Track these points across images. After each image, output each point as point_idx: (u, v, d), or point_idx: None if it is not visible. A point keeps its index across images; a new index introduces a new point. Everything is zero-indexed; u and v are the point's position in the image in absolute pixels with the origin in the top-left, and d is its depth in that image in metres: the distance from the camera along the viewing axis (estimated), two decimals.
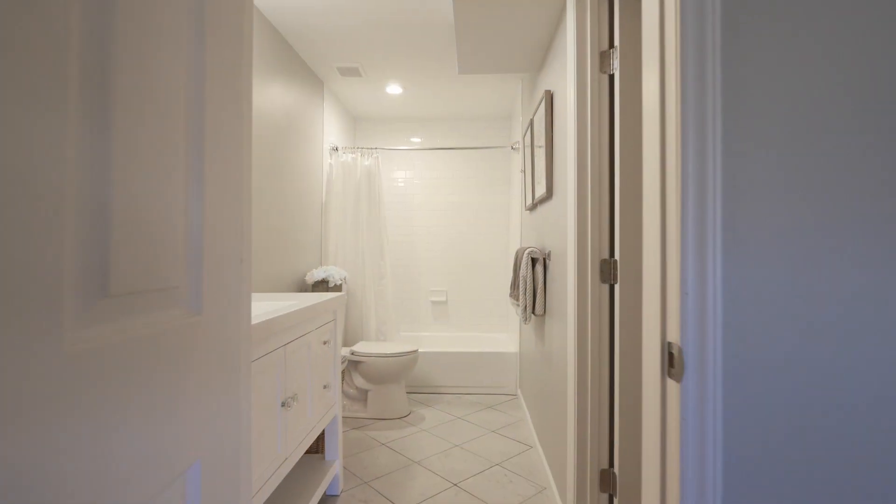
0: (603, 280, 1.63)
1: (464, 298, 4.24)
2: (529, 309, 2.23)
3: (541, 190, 2.23)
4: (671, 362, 0.70)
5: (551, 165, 2.07)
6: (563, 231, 1.87)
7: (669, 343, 0.71)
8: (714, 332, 0.65)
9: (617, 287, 1.57)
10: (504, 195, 4.22)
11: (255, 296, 1.98)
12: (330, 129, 3.59)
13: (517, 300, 2.35)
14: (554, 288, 2.03)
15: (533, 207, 2.62)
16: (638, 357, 1.56)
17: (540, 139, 2.26)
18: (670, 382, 0.70)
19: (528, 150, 2.80)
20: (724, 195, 0.66)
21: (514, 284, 2.45)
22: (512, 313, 3.83)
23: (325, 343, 1.87)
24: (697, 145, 0.67)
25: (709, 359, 0.65)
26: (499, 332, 4.20)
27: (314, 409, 1.75)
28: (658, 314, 0.73)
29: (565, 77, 1.84)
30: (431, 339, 4.17)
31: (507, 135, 4.23)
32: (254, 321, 1.17)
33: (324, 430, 2.08)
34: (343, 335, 3.43)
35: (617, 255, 1.58)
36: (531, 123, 2.52)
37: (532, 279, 2.24)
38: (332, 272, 2.97)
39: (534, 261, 2.26)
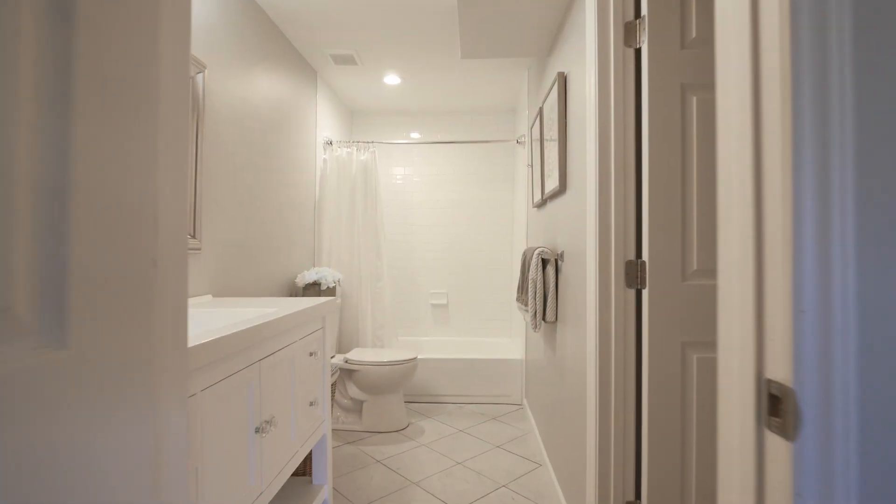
0: (629, 284, 1.42)
1: (465, 301, 4.03)
2: (540, 315, 2.02)
3: (552, 184, 2.02)
4: (774, 410, 0.49)
5: (565, 156, 1.86)
6: (579, 228, 1.66)
7: (769, 381, 0.50)
8: (845, 367, 0.44)
9: (645, 293, 1.36)
10: (508, 192, 4.01)
11: (230, 301, 1.76)
12: (324, 122, 3.38)
13: (526, 305, 2.14)
14: (568, 292, 1.83)
15: (542, 204, 2.41)
16: (671, 374, 1.35)
17: (551, 128, 2.05)
18: (773, 440, 0.49)
19: (535, 143, 2.59)
20: (858, 175, 0.45)
21: (522, 288, 2.24)
22: (517, 317, 3.62)
23: (311, 354, 1.66)
24: (815, 113, 0.46)
25: (837, 407, 0.44)
26: (502, 337, 3.99)
27: (298, 431, 1.54)
28: (750, 340, 0.52)
29: (583, 54, 1.63)
30: (431, 344, 3.95)
31: (512, 129, 4.02)
32: (205, 338, 0.96)
33: (311, 451, 1.87)
34: (336, 341, 3.23)
35: (645, 256, 1.37)
36: (540, 112, 2.31)
37: (543, 282, 2.03)
38: (325, 274, 2.76)
39: (544, 262, 2.05)
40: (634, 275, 1.41)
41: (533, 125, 2.63)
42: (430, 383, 3.28)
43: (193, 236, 1.78)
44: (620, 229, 1.42)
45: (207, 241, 1.91)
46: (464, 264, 4.03)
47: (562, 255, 1.90)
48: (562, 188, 1.87)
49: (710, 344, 1.35)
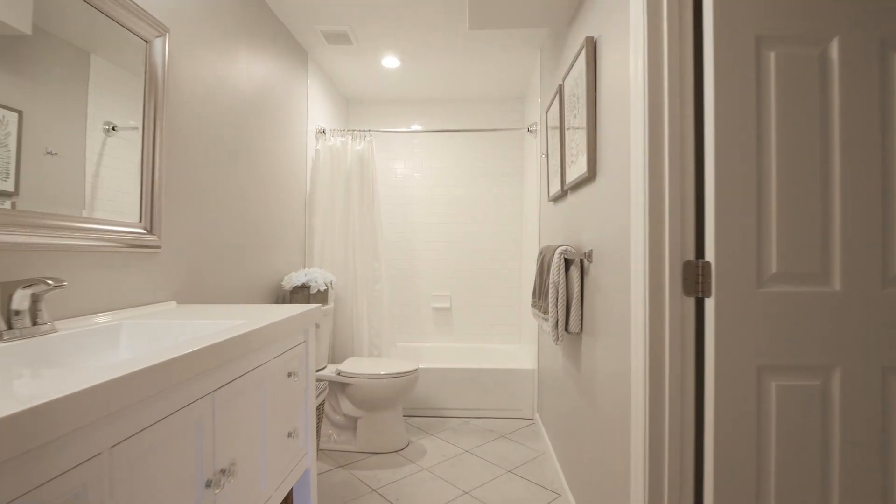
0: (687, 291, 1.12)
1: (470, 304, 3.73)
2: (562, 325, 1.72)
3: (577, 172, 1.73)
4: None
5: (594, 136, 1.56)
6: (615, 222, 1.37)
7: None
8: None
9: (710, 302, 1.07)
10: (516, 187, 3.72)
11: (196, 310, 1.47)
12: (316, 110, 3.08)
13: (544, 313, 1.84)
14: (599, 298, 1.53)
15: (560, 196, 2.12)
16: (744, 406, 1.05)
17: (575, 107, 1.75)
18: None
19: (552, 131, 2.30)
20: None
21: (540, 292, 1.94)
22: (526, 322, 3.32)
23: (291, 375, 1.37)
24: None
25: None
26: (511, 344, 3.69)
27: (271, 473, 1.24)
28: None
29: (621, 9, 1.34)
30: (434, 351, 3.66)
31: (520, 119, 3.73)
32: (121, 370, 0.66)
33: (292, 488, 1.58)
34: (329, 351, 2.93)
35: (709, 256, 1.07)
36: (559, 92, 2.02)
37: (566, 286, 1.73)
38: (315, 276, 2.47)
39: (567, 262, 1.76)
40: (694, 279, 1.11)
41: (549, 108, 2.33)
42: (432, 396, 2.99)
43: (150, 232, 1.49)
44: (676, 222, 1.13)
45: (171, 239, 1.62)
46: (468, 265, 3.74)
47: (589, 254, 1.61)
48: (590, 175, 1.57)
49: (794, 369, 1.06)
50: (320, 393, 2.01)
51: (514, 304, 3.71)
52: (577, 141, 1.73)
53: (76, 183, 1.21)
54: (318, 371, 2.54)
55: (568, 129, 1.89)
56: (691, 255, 1.13)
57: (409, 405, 3.00)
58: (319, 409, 2.06)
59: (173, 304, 1.60)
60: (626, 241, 1.29)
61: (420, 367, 2.98)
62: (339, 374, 2.48)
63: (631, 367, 1.24)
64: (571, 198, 1.92)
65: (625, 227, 1.29)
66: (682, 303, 1.13)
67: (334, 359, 2.96)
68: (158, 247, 1.53)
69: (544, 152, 2.59)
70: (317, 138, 3.07)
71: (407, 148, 3.78)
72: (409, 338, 3.76)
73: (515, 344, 3.69)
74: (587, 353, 1.67)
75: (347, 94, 3.62)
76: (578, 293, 1.70)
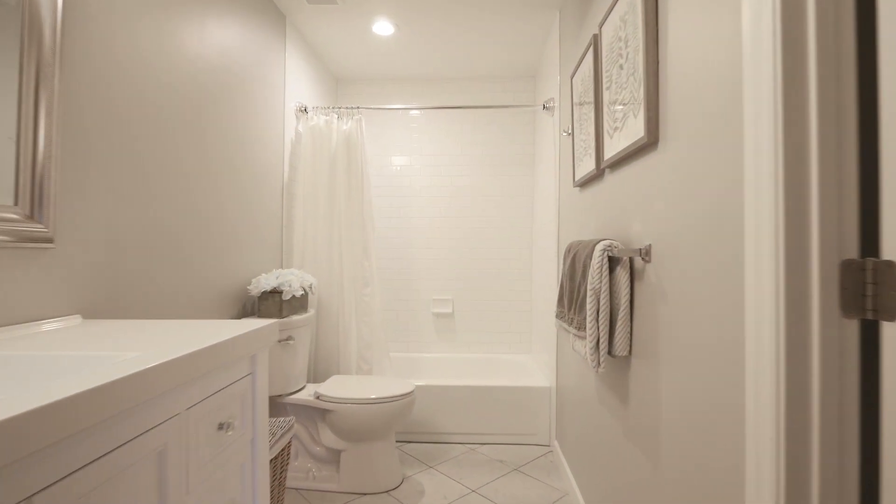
0: (847, 308, 0.68)
1: (475, 309, 3.30)
2: (604, 344, 1.29)
3: (625, 140, 1.29)
4: None
5: (656, 86, 1.13)
6: (700, 203, 0.93)
7: None
8: None
9: (888, 328, 0.63)
10: (527, 176, 3.28)
11: (99, 330, 1.03)
12: (297, 85, 2.65)
13: (578, 328, 1.41)
14: (662, 311, 1.10)
15: (594, 178, 1.68)
16: None
17: (622, 53, 1.32)
18: None
19: (582, 95, 1.88)
20: None
21: (572, 301, 1.51)
22: (539, 329, 2.89)
23: (223, 428, 0.93)
24: None
25: None
26: (521, 353, 3.25)
27: None
28: None
29: None
30: (434, 363, 3.22)
31: (532, 99, 3.29)
32: None
33: None
34: (310, 367, 2.50)
35: (890, 252, 0.64)
36: (594, 43, 1.59)
37: (608, 295, 1.29)
38: (288, 278, 2.03)
39: (611, 261, 1.32)
40: (859, 291, 0.68)
41: (575, 72, 1.90)
42: (432, 418, 2.55)
43: (32, 218, 1.05)
44: (831, 199, 0.69)
45: (76, 232, 1.19)
46: (473, 264, 3.30)
47: (646, 250, 1.17)
48: (650, 140, 1.14)
49: None
50: (283, 433, 1.56)
51: (525, 309, 3.27)
52: (624, 99, 1.30)
53: None
54: (292, 394, 2.11)
55: (608, 88, 1.46)
56: (853, 252, 0.70)
57: (404, 429, 2.57)
58: (283, 454, 1.62)
59: (77, 319, 1.17)
60: (722, 229, 0.85)
61: (418, 384, 2.54)
62: (318, 397, 2.04)
63: (746, 421, 0.80)
64: (613, 178, 1.48)
65: (718, 209, 0.86)
66: (841, 326, 0.69)
67: (316, 376, 2.52)
68: (50, 241, 1.09)
69: (566, 130, 2.16)
70: (297, 118, 2.64)
71: (404, 133, 3.34)
72: (405, 347, 3.33)
73: (526, 353, 3.25)
74: (640, 385, 1.24)
75: (336, 71, 3.19)
76: (627, 303, 1.26)
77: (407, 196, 3.33)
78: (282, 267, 2.47)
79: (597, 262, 1.29)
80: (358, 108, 2.58)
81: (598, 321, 1.29)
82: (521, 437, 2.54)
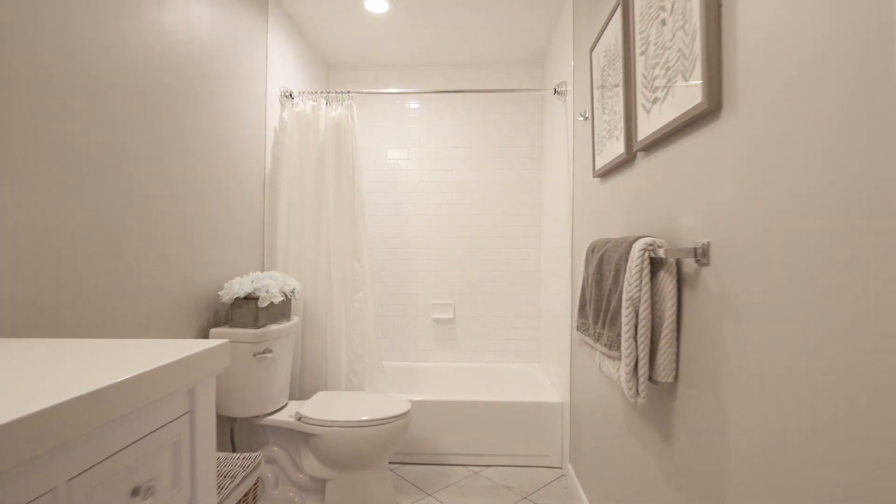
0: None
1: (478, 315, 3.04)
2: (643, 368, 1.03)
3: (671, 112, 1.03)
4: None
5: (717, 33, 0.87)
6: (793, 185, 0.67)
7: None
8: None
9: None
10: (534, 169, 3.02)
11: None
12: (282, 69, 2.39)
13: (610, 346, 1.15)
14: (728, 327, 0.83)
15: (622, 164, 1.42)
16: None
17: (663, 4, 1.06)
18: None
19: (606, 69, 1.63)
20: None
21: (599, 313, 1.25)
22: (550, 337, 2.63)
23: (139, 495, 0.68)
24: None
25: None
26: (528, 363, 2.99)
27: None
28: None
29: None
30: (433, 373, 2.96)
31: (540, 85, 3.03)
32: None
33: None
34: (296, 382, 2.25)
35: None
36: (622, 4, 1.33)
37: (650, 306, 1.03)
38: (266, 283, 1.78)
39: (653, 263, 1.06)
40: None
41: (595, 45, 1.64)
42: (430, 436, 2.29)
43: None
44: None
45: None
46: (476, 265, 3.04)
47: (703, 250, 0.91)
48: (712, 106, 0.87)
49: None
50: (246, 475, 1.29)
51: (532, 314, 3.01)
52: (669, 61, 1.04)
53: None
54: (270, 414, 1.85)
55: (642, 52, 1.20)
56: None
57: (400, 449, 2.31)
58: (246, 501, 1.34)
59: None
60: (849, 221, 0.59)
61: (415, 399, 2.29)
62: (299, 418, 1.78)
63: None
64: (649, 162, 1.22)
65: (841, 194, 0.60)
66: None
67: (302, 392, 2.26)
68: None
69: (583, 114, 1.90)
70: (282, 104, 2.38)
71: (400, 123, 3.08)
72: (402, 356, 3.07)
73: (534, 363, 2.99)
74: (691, 420, 0.98)
75: (327, 55, 2.93)
76: (673, 317, 1.00)
77: (404, 192, 3.07)
78: (263, 269, 2.21)
79: (635, 264, 1.03)
80: (349, 92, 2.32)
81: (636, 339, 1.03)
82: (531, 458, 2.28)
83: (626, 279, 1.05)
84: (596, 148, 1.66)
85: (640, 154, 1.28)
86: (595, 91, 1.67)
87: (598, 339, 1.22)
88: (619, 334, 1.09)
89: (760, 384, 0.75)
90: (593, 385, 1.75)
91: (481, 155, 3.04)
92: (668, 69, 1.05)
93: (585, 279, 1.40)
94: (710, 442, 0.90)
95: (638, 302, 1.03)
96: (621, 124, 1.36)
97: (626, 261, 1.07)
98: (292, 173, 2.28)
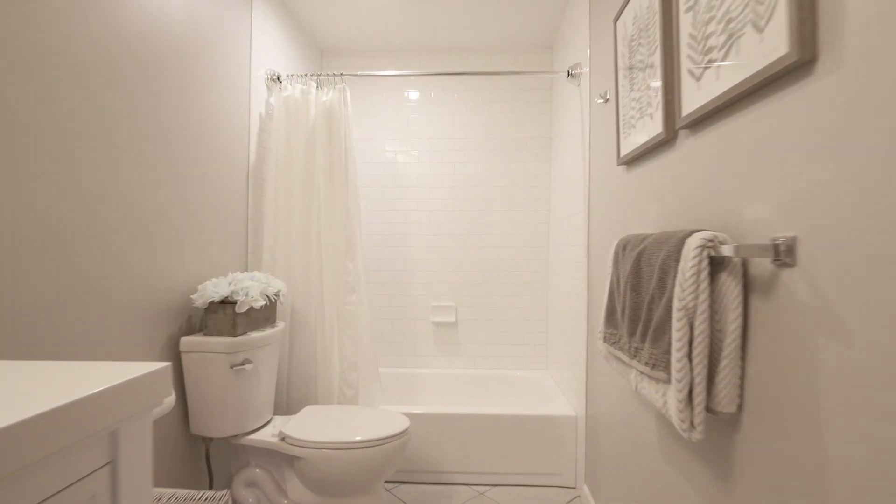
0: None
1: (482, 317, 2.83)
2: (700, 395, 0.82)
3: (739, 71, 0.83)
4: None
5: None
6: None
7: None
8: None
9: None
10: (542, 162, 2.82)
11: None
12: (267, 50, 2.18)
13: (655, 366, 0.94)
14: (837, 353, 0.63)
15: (660, 145, 1.22)
16: None
17: None
18: None
19: (630, 50, 1.42)
20: None
21: (637, 321, 1.04)
22: (560, 342, 2.43)
23: None
24: None
25: None
26: (535, 368, 2.79)
27: None
28: None
29: None
30: (434, 381, 2.76)
31: (547, 77, 2.82)
32: None
33: None
34: (283, 394, 2.05)
35: None
36: None
37: (708, 317, 0.82)
38: (246, 284, 1.57)
39: (712, 262, 0.85)
40: None
41: (621, 14, 1.43)
42: (431, 452, 2.09)
43: None
44: None
45: None
46: (479, 265, 2.84)
47: (786, 246, 0.71)
48: (803, 56, 0.67)
49: None
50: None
51: (540, 317, 2.81)
52: (731, 12, 0.83)
53: None
54: (252, 432, 1.64)
55: (689, 9, 0.99)
56: None
57: (398, 468, 2.10)
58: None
59: None
60: None
61: (414, 411, 2.08)
62: (283, 439, 1.58)
63: None
64: (697, 141, 1.02)
65: None
66: None
67: (289, 406, 2.06)
68: None
69: (604, 95, 1.69)
70: (269, 89, 2.17)
71: (399, 113, 2.87)
72: (400, 362, 2.86)
73: (542, 369, 2.79)
74: (760, 460, 0.77)
75: (320, 38, 2.72)
76: (738, 331, 0.80)
77: (402, 186, 2.86)
78: (248, 269, 2.01)
79: (691, 265, 0.82)
80: (342, 74, 2.11)
81: (691, 359, 0.83)
82: (541, 477, 2.08)
83: (677, 283, 0.84)
84: (621, 131, 1.45)
85: (683, 133, 1.08)
86: (620, 67, 1.46)
87: (636, 356, 1.01)
88: (666, 352, 0.88)
89: (887, 428, 0.55)
90: (615, 397, 1.54)
91: (485, 147, 2.83)
92: (728, 21, 0.84)
93: (614, 282, 1.19)
94: (795, 488, 0.70)
95: (693, 312, 0.82)
96: (658, 99, 1.15)
97: (678, 261, 0.86)
98: (279, 163, 2.08)
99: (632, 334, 1.06)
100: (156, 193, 1.42)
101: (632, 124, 1.36)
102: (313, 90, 2.10)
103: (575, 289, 2.10)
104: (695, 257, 0.82)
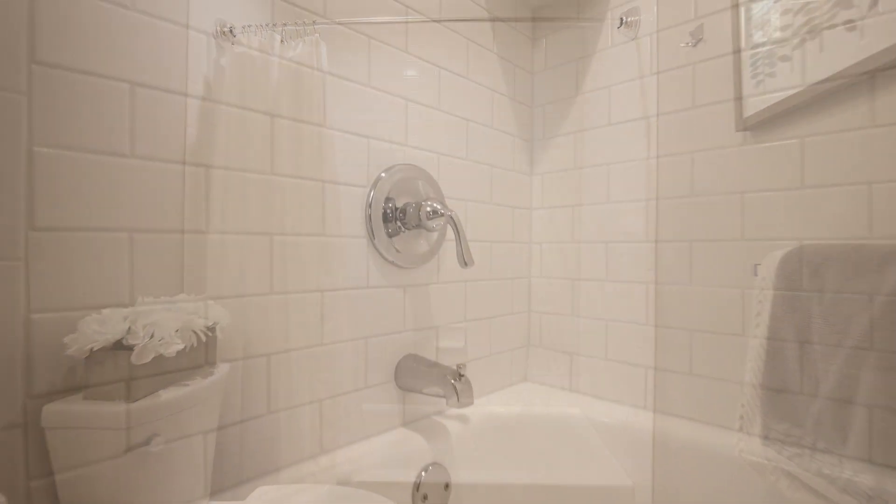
0: None
1: (490, 341, 2.29)
2: None
3: None
4: None
5: None
6: None
7: None
8: None
9: None
10: (566, 148, 2.28)
11: None
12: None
13: None
14: None
15: (851, 86, 0.67)
16: None
17: None
18: None
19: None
20: None
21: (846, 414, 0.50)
22: (589, 360, 1.88)
23: None
24: None
25: None
26: (563, 404, 2.23)
27: None
28: None
29: None
30: (437, 427, 2.20)
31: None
32: None
33: None
34: (219, 471, 1.49)
35: None
36: None
37: None
38: (155, 318, 1.02)
39: None
40: None
41: None
42: None
43: None
44: None
45: None
46: (493, 273, 2.30)
47: None
48: None
49: None
50: None
51: (564, 343, 2.27)
52: None
53: None
54: None
55: None
56: None
57: None
58: None
59: None
60: None
61: (409, 480, 1.53)
62: None
63: None
64: None
65: None
66: None
67: (239, 479, 1.49)
68: None
69: (696, 34, 1.15)
70: (217, 46, 1.62)
71: (393, 66, 2.32)
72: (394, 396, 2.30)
73: (567, 390, 2.23)
74: None
75: None
76: None
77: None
78: (183, 290, 1.45)
79: None
80: (314, 23, 1.57)
81: None
82: None
83: None
84: (749, 77, 0.91)
85: None
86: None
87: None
88: None
89: None
90: (704, 462, 1.00)
91: (491, 134, 2.29)
92: None
93: (781, 328, 0.65)
94: None
95: None
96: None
97: None
98: (230, 145, 1.53)
99: (844, 440, 0.51)
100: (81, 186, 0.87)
101: (772, 64, 0.82)
102: (276, 45, 1.56)
103: (613, 303, 1.56)
104: None
